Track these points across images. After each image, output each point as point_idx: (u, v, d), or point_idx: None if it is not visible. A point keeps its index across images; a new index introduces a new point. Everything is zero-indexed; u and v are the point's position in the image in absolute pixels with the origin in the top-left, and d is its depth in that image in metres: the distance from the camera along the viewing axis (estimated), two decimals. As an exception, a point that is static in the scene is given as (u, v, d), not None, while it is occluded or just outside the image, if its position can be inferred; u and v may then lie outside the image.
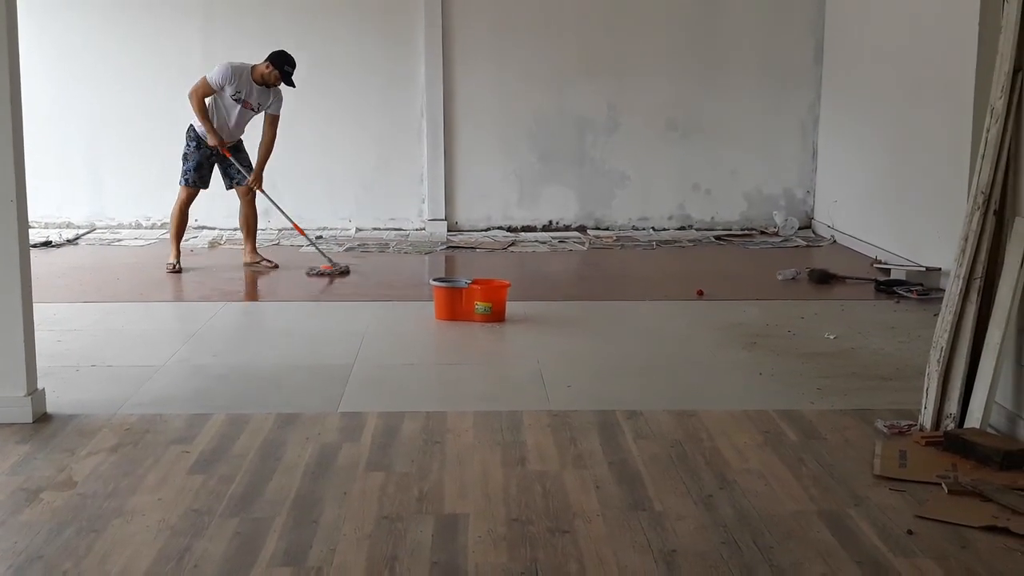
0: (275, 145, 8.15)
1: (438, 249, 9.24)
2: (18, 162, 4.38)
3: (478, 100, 10.05)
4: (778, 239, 9.78)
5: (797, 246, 9.47)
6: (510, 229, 10.13)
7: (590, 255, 9.10)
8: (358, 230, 10.00)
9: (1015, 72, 4.27)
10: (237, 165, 8.07)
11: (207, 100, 7.88)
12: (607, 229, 10.14)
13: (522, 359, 5.67)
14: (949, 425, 4.31)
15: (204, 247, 9.10)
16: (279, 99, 8.10)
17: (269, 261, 8.31)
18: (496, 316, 6.40)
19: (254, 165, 8.13)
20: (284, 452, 4.19)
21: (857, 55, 9.18)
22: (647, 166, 10.17)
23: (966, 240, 4.38)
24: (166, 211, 8.93)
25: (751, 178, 10.22)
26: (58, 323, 6.18)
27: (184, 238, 8.42)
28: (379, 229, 10.06)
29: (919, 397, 4.49)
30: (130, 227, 10.01)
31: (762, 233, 10.03)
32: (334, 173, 10.09)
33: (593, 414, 4.64)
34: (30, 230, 4.67)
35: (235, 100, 7.89)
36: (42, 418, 4.55)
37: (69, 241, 9.37)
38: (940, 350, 4.40)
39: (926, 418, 4.41)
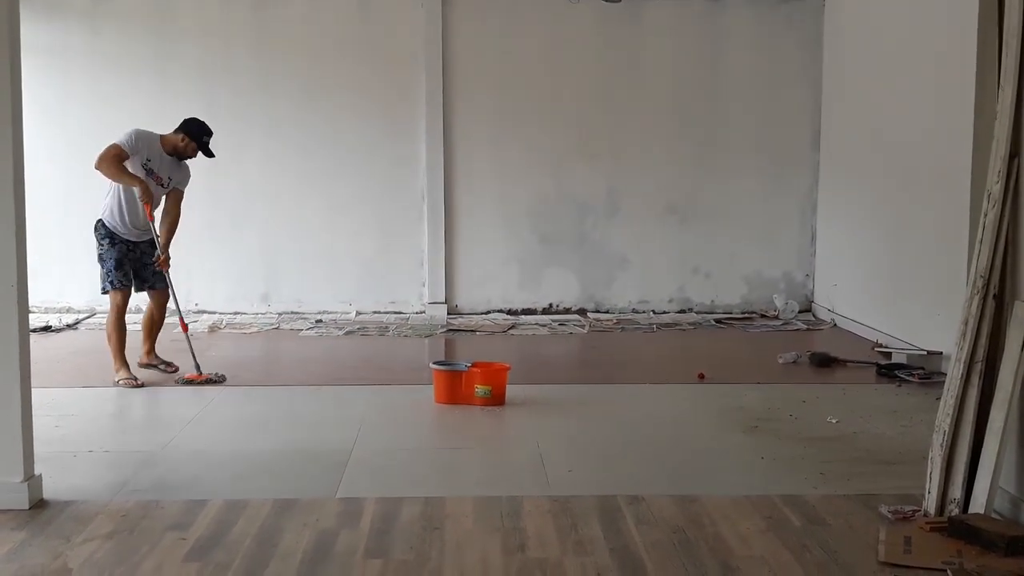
0: (179, 224, 7.19)
1: (438, 332, 9.24)
2: (20, 246, 4.39)
3: (479, 183, 10.13)
4: (778, 322, 9.78)
5: (797, 329, 9.47)
6: (510, 312, 10.14)
7: (590, 338, 9.09)
8: (358, 313, 10.01)
9: (1011, 157, 4.31)
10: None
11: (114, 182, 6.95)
12: (607, 312, 10.15)
13: (522, 443, 5.63)
14: (953, 510, 4.27)
15: (204, 331, 9.09)
16: (187, 174, 7.21)
17: (168, 364, 7.32)
18: (496, 400, 6.38)
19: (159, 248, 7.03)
20: (281, 539, 4.14)
21: (854, 140, 9.26)
22: (647, 249, 10.22)
23: (966, 324, 4.38)
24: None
25: (751, 262, 10.27)
26: (56, 408, 6.15)
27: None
28: (379, 312, 10.07)
29: (923, 482, 4.46)
30: (130, 311, 9.96)
31: (762, 316, 10.04)
32: (336, 256, 10.13)
33: (594, 499, 4.60)
34: (30, 315, 4.66)
35: (145, 170, 6.95)
36: (38, 504, 4.51)
37: (69, 326, 9.37)
38: (943, 434, 4.37)
39: (930, 503, 4.37)
